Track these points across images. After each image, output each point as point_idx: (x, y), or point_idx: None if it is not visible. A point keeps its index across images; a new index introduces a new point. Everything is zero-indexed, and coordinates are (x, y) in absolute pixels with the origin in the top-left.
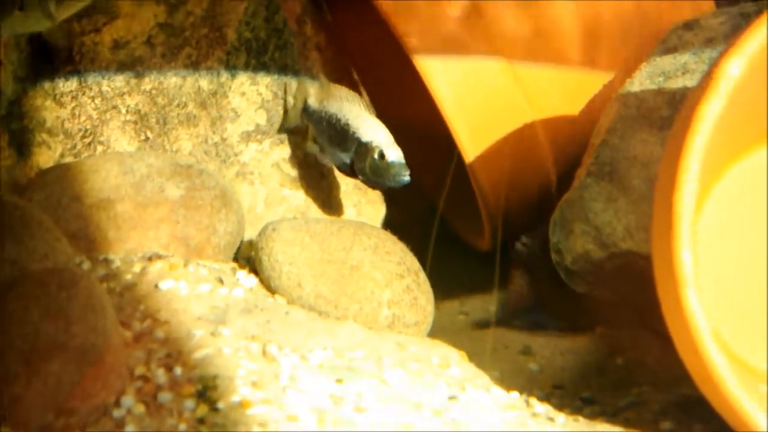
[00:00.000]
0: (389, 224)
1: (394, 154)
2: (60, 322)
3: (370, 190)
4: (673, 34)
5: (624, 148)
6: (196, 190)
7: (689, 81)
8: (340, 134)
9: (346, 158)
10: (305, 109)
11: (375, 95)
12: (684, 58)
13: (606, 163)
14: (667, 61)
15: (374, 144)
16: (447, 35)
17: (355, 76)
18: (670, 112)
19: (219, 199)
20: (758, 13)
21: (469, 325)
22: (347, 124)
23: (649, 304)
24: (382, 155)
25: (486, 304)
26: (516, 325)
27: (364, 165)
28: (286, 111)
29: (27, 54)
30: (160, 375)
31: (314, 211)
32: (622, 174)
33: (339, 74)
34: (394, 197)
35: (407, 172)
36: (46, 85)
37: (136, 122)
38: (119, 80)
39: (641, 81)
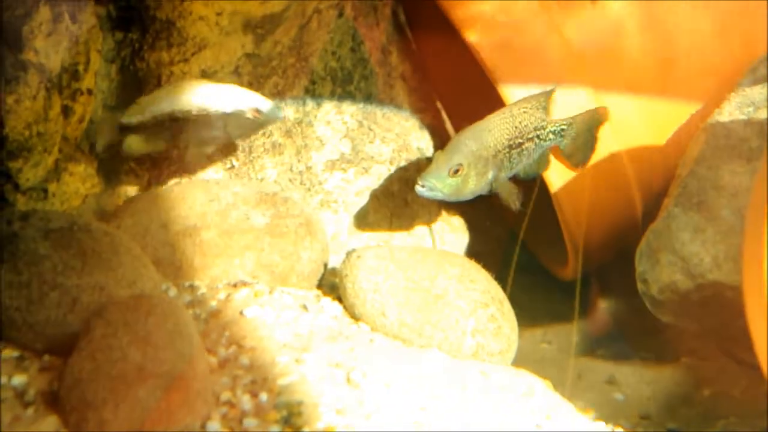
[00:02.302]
0: (472, 252)
1: (263, 103)
2: (147, 348)
3: (453, 218)
4: (761, 65)
5: (712, 178)
6: (281, 217)
7: None
8: (197, 123)
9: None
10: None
11: (459, 124)
12: None
13: (694, 193)
14: (756, 92)
15: (243, 108)
16: (534, 66)
17: (439, 105)
18: (759, 142)
19: (303, 227)
20: None
21: (553, 354)
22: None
23: (737, 335)
24: (258, 111)
25: (569, 333)
26: (600, 355)
27: (243, 129)
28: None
29: (117, 83)
30: (246, 401)
31: (398, 239)
32: (710, 204)
33: (423, 103)
34: (476, 225)
35: (280, 108)
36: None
37: (222, 151)
38: None
39: (730, 111)
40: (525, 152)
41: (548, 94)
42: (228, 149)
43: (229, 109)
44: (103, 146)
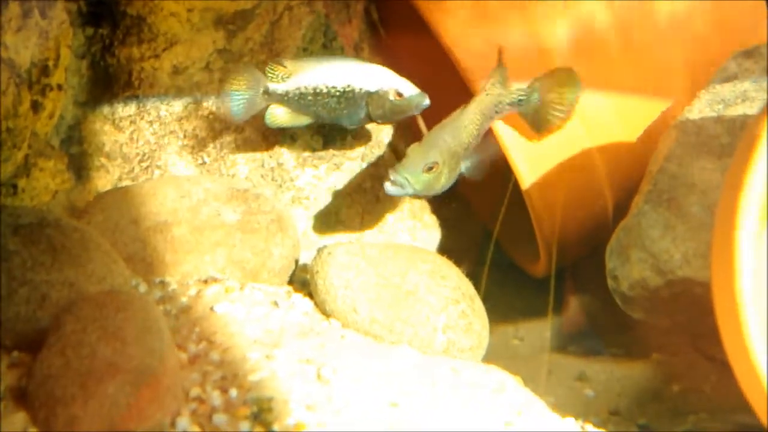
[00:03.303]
0: (444, 249)
1: (408, 88)
2: (117, 343)
3: (425, 215)
4: (732, 62)
5: (682, 175)
6: (253, 214)
7: (749, 109)
8: (340, 99)
9: (355, 117)
10: (268, 92)
11: (431, 121)
12: (744, 85)
13: (664, 190)
14: (726, 89)
15: (386, 89)
16: (508, 65)
17: None
18: (730, 139)
19: (275, 223)
20: None
21: (525, 351)
22: (348, 86)
23: (706, 331)
24: (399, 94)
25: (541, 330)
26: (571, 351)
27: (384, 110)
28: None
29: (87, 79)
30: (216, 397)
31: (369, 235)
32: (680, 201)
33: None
34: (448, 222)
35: (426, 97)
36: (105, 109)
37: (193, 147)
38: (177, 105)
39: (700, 108)
40: (484, 128)
41: (499, 70)
42: (361, 139)
43: (372, 88)
44: (245, 113)
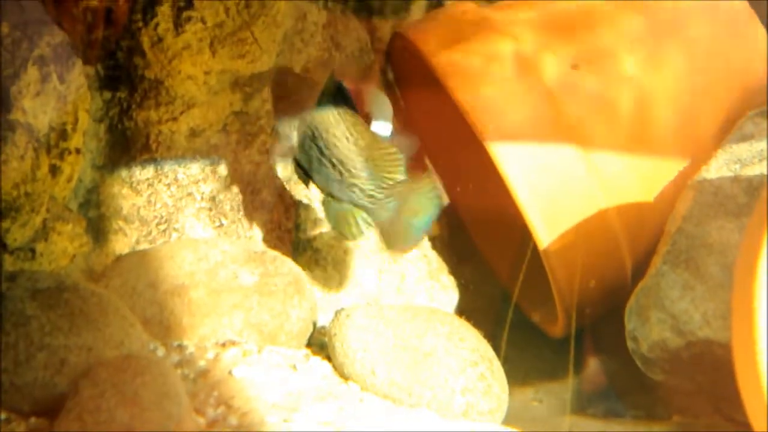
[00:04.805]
0: (462, 310)
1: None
2: (135, 408)
3: (443, 276)
4: (749, 122)
5: (700, 235)
6: (270, 276)
7: (766, 168)
8: None
9: None
10: None
11: (448, 181)
12: (761, 145)
13: (682, 250)
14: (743, 148)
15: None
16: (521, 122)
17: (428, 162)
18: (747, 199)
19: (292, 286)
20: None
21: (544, 413)
22: None
23: (728, 393)
24: None
25: (560, 391)
26: (591, 413)
27: None
28: None
29: (105, 143)
30: None
31: (387, 296)
32: (698, 261)
33: (411, 160)
34: (466, 283)
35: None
36: (123, 173)
37: (210, 209)
38: (195, 167)
39: (717, 168)
40: (333, 177)
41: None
42: None
43: None
44: None
